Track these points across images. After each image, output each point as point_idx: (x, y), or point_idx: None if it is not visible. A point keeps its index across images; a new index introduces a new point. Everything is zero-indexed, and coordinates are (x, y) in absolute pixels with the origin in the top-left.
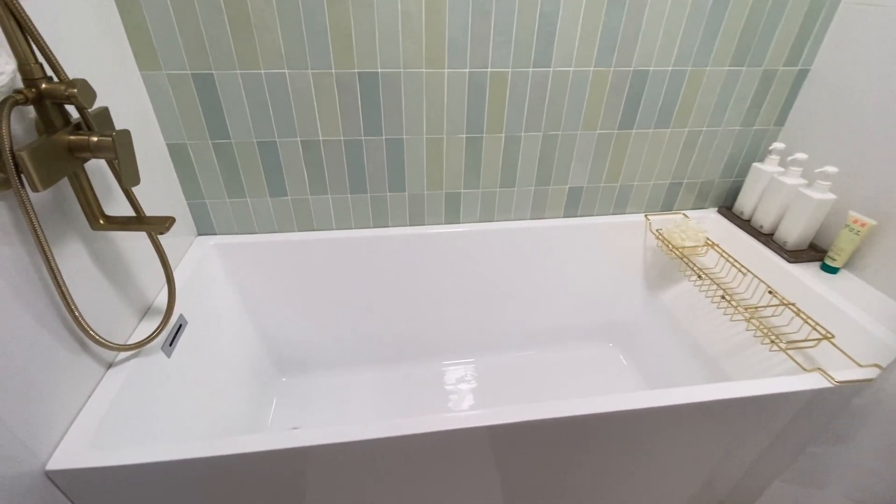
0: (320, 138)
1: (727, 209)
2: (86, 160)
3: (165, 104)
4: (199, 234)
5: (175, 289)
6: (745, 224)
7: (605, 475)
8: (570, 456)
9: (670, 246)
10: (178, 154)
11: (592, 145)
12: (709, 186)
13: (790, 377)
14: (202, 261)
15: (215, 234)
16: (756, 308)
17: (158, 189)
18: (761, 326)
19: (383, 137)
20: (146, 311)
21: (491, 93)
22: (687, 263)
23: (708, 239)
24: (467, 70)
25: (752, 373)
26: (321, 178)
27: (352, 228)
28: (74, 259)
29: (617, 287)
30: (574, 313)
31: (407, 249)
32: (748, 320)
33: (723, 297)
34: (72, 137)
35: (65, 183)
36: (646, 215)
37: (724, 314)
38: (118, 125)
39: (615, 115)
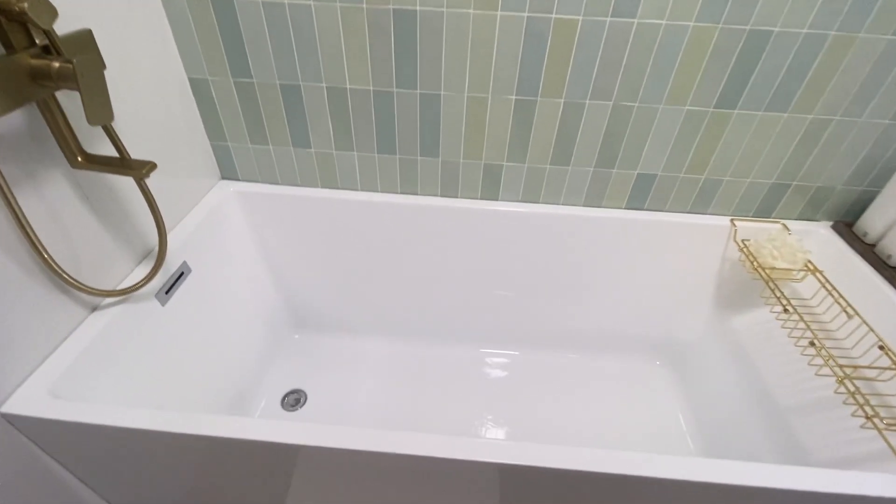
0: (347, 86)
1: (846, 226)
2: (53, 89)
3: (186, 34)
4: (224, 178)
5: (166, 236)
6: (867, 249)
7: None
8: None
9: (756, 264)
10: (200, 90)
11: (677, 124)
12: (826, 193)
13: (888, 477)
14: (220, 206)
15: (239, 181)
16: (855, 367)
17: (179, 125)
18: (856, 393)
19: (418, 91)
20: (145, 256)
21: (553, 46)
22: (773, 290)
23: (809, 262)
24: (525, 14)
25: (828, 442)
26: (347, 131)
27: (377, 192)
28: (56, 196)
29: (679, 299)
30: (624, 321)
31: (437, 222)
32: (840, 381)
33: (811, 344)
34: (34, 62)
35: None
36: (732, 220)
37: (810, 364)
38: (134, 52)
39: (714, 88)
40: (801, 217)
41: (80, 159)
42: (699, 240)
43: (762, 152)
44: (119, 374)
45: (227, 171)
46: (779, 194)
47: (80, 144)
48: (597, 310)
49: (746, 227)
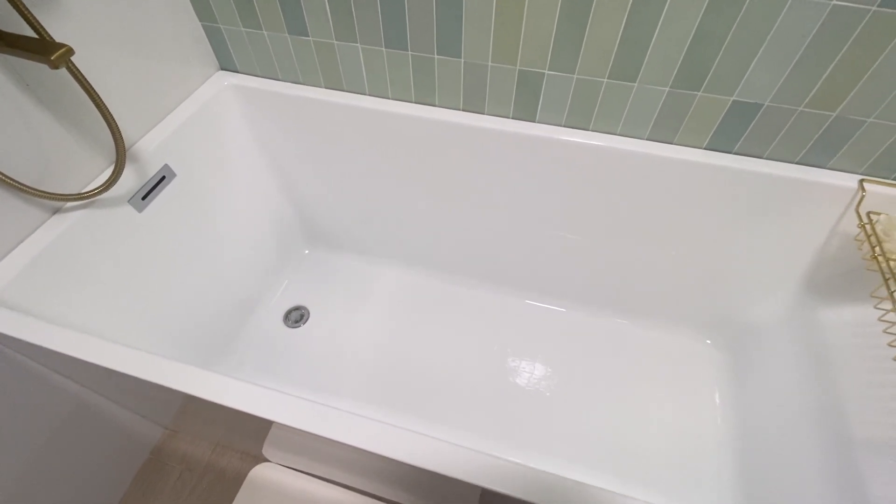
0: None
1: None
2: None
3: None
4: (223, 70)
5: (118, 130)
6: None
7: None
8: None
9: (877, 249)
10: None
11: (812, 27)
12: None
13: None
14: (215, 101)
15: (237, 73)
16: None
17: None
18: None
19: None
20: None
21: None
22: (891, 289)
23: None
24: None
25: None
26: (347, 15)
27: (388, 98)
28: None
29: (756, 272)
30: (683, 287)
31: (459, 142)
32: None
33: None
34: None
35: None
36: (862, 181)
37: None
38: None
39: None
40: None
41: None
42: (805, 201)
43: None
44: (90, 283)
45: (225, 61)
46: None
47: None
48: (653, 270)
49: (880, 194)
